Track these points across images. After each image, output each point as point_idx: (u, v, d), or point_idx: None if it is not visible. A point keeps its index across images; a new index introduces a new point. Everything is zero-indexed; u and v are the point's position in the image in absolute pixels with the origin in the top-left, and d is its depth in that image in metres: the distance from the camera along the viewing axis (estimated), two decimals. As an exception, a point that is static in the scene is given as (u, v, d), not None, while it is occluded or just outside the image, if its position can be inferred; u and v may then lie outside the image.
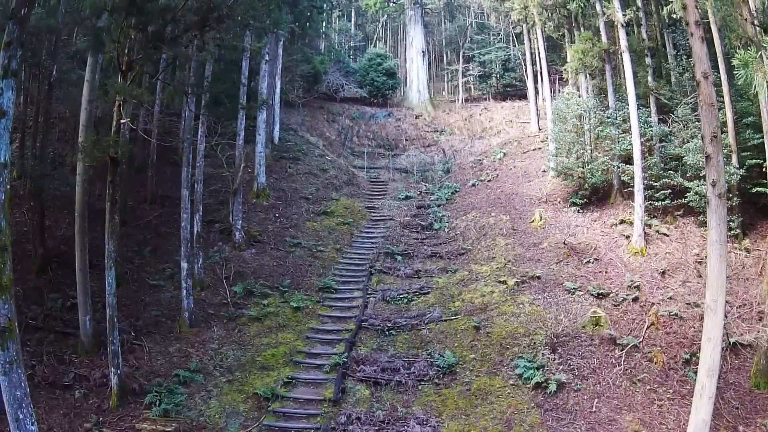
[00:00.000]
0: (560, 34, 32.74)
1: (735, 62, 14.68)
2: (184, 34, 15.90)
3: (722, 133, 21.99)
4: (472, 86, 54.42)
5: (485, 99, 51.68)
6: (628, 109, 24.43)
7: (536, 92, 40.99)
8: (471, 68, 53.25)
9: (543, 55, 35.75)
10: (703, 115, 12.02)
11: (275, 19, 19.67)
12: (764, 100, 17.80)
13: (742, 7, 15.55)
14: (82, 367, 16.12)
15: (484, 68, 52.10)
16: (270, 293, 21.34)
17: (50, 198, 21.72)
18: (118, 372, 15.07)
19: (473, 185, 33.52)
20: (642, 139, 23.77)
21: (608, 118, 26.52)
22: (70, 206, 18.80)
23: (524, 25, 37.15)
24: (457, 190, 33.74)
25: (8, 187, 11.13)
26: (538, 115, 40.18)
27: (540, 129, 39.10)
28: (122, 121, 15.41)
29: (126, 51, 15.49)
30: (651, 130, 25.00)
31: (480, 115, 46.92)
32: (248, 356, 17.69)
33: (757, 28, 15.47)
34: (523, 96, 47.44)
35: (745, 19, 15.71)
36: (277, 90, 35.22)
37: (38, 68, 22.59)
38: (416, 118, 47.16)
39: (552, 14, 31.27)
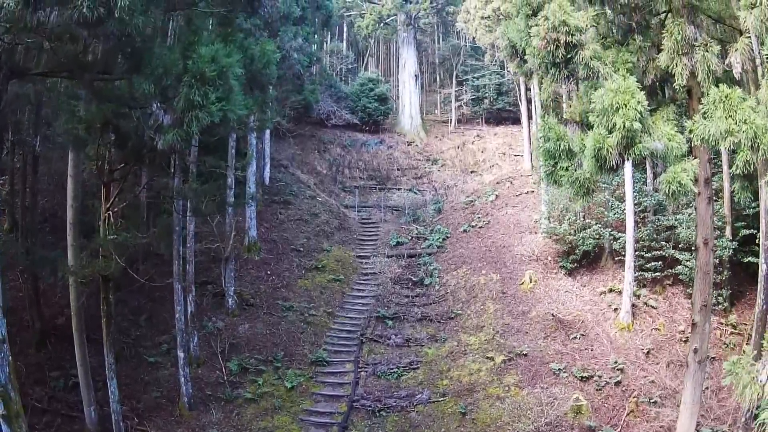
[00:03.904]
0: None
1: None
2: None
3: (717, 200, 23.95)
4: (465, 109, 56.50)
5: (478, 122, 53.77)
6: (623, 173, 26.17)
7: (529, 118, 42.87)
8: (464, 91, 55.29)
9: (536, 84, 37.51)
10: (697, 282, 12.80)
11: (261, 121, 20.63)
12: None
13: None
14: (91, 458, 18.09)
15: (477, 92, 54.28)
16: (264, 369, 23.23)
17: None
18: (127, 468, 17.07)
19: (464, 231, 35.55)
20: (636, 209, 25.56)
21: (603, 182, 28.35)
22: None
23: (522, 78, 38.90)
24: (449, 235, 35.79)
25: (9, 364, 11.97)
26: (531, 147, 42.10)
27: (533, 166, 41.10)
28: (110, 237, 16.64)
29: (107, 165, 16.68)
30: (645, 201, 26.95)
31: (473, 143, 48.98)
32: (246, 443, 19.74)
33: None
34: (517, 120, 49.23)
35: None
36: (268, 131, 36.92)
37: (21, 144, 23.58)
38: (408, 145, 49.13)
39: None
